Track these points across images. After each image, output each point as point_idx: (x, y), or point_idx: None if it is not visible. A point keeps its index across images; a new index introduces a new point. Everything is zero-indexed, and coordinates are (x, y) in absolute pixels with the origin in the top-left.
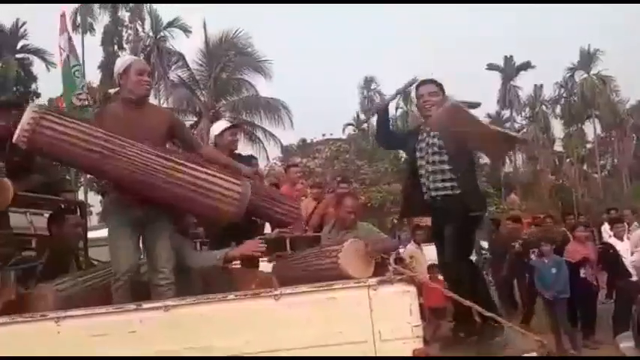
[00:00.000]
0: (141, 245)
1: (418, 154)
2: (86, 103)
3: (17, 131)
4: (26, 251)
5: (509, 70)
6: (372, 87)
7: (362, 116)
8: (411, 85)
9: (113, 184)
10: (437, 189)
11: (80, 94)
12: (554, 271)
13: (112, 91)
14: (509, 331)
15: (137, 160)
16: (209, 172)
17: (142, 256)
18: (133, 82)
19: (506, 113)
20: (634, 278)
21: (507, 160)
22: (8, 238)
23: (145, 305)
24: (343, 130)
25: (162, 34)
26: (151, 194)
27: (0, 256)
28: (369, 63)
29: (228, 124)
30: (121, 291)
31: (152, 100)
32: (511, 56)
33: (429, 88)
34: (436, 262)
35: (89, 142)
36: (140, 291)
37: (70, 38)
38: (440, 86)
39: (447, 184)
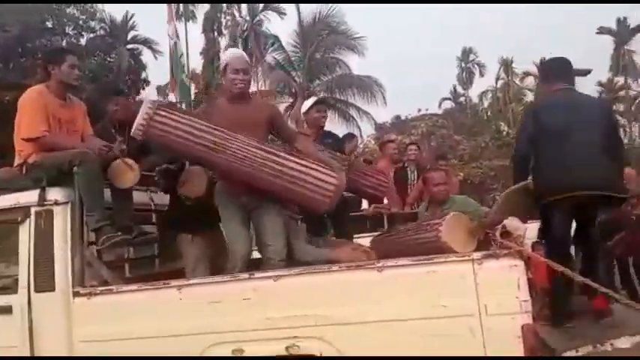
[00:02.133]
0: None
1: None
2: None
3: (134, 125)
4: (147, 225)
5: (623, 33)
6: (471, 58)
7: (459, 89)
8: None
9: (221, 175)
10: None
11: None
12: None
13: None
14: (624, 310)
15: (240, 152)
16: (306, 164)
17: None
18: (229, 80)
19: (620, 80)
20: None
21: (622, 132)
22: (131, 213)
23: (257, 274)
24: (440, 104)
25: (258, 18)
26: (253, 184)
27: (125, 228)
28: (468, 33)
29: (312, 101)
30: (243, 267)
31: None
32: (625, 18)
33: None
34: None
35: (197, 135)
36: None
37: (175, 27)
38: None
39: None
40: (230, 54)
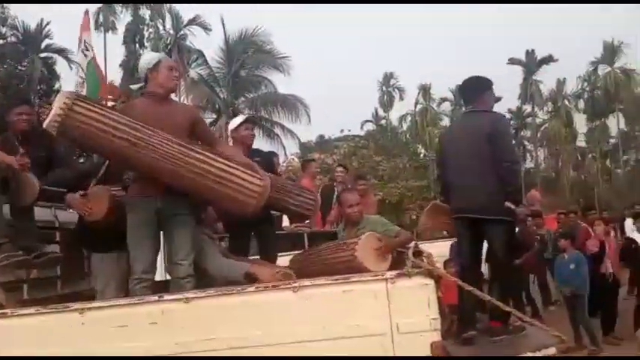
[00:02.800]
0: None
1: None
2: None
3: (49, 117)
4: (50, 244)
5: (531, 64)
6: (392, 83)
7: (381, 112)
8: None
9: (138, 174)
10: None
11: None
12: (572, 266)
13: (134, 87)
14: (528, 327)
15: (164, 149)
16: (231, 164)
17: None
18: (164, 77)
19: (528, 108)
20: None
21: (529, 156)
22: (33, 232)
23: (167, 297)
24: (362, 126)
25: (182, 32)
26: (176, 183)
27: (26, 247)
28: (387, 59)
29: (242, 119)
30: (141, 291)
31: (172, 97)
32: (533, 50)
33: None
34: (450, 258)
35: (119, 129)
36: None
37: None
38: None
39: None
40: (158, 54)
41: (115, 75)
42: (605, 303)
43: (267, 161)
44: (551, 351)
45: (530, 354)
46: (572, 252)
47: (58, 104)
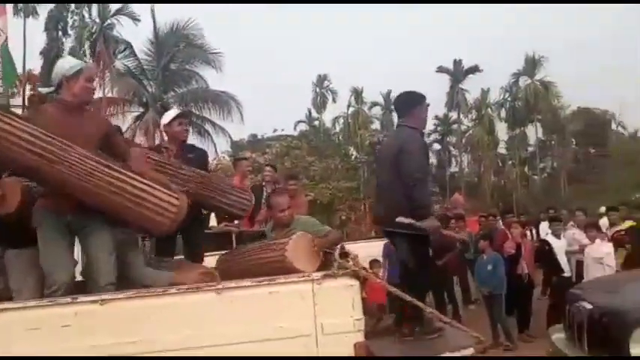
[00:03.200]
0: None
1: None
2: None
3: None
4: None
5: (458, 73)
6: (325, 85)
7: (314, 113)
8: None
9: (48, 189)
10: None
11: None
12: (490, 267)
13: (44, 90)
14: (448, 327)
15: (78, 165)
16: (148, 182)
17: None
18: (81, 88)
19: (454, 115)
20: (567, 274)
21: (453, 161)
22: None
23: (81, 298)
24: (295, 126)
25: (109, 21)
26: (90, 200)
27: None
28: (323, 60)
29: (175, 114)
30: None
31: (97, 89)
32: (460, 60)
33: None
34: (377, 258)
35: (30, 142)
36: None
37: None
38: None
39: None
40: (80, 62)
41: (34, 63)
42: (520, 302)
43: (201, 158)
44: (470, 351)
45: (449, 354)
46: (491, 253)
47: None
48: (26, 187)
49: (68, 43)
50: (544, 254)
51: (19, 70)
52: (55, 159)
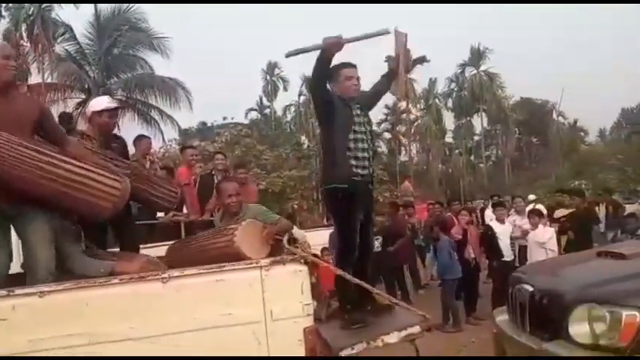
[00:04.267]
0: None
1: (358, 129)
2: None
3: None
4: None
5: (407, 63)
6: (276, 72)
7: (265, 101)
8: (379, 35)
9: None
10: (372, 167)
11: None
12: (447, 253)
13: None
14: (396, 308)
15: (6, 151)
16: (86, 167)
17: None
18: None
19: (403, 105)
20: (508, 258)
21: (403, 150)
22: None
23: (18, 291)
24: (246, 114)
25: (47, 3)
26: (22, 188)
27: None
28: (273, 47)
29: (111, 106)
30: None
31: (35, 74)
32: (408, 50)
33: (356, 72)
34: (326, 245)
35: None
36: None
37: None
38: None
39: (371, 168)
40: None
41: None
42: (467, 286)
43: (124, 148)
44: (416, 329)
45: (396, 333)
46: (445, 239)
47: None
48: None
49: (2, 25)
50: (487, 239)
51: None
52: None
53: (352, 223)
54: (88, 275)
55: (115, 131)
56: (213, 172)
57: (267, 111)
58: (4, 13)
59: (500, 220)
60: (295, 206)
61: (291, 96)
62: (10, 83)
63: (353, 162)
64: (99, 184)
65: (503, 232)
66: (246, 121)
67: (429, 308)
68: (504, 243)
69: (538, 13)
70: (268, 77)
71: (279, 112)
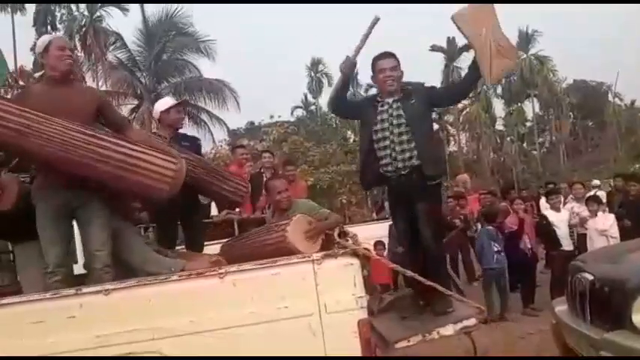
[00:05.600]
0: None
1: (380, 126)
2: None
3: None
4: None
5: (452, 51)
6: (320, 69)
7: (310, 98)
8: (374, 26)
9: (39, 165)
10: (404, 159)
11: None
12: (490, 243)
13: (37, 74)
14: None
15: (57, 136)
16: (140, 149)
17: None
18: (54, 58)
19: None
20: (567, 248)
21: (452, 140)
22: None
23: (85, 290)
24: (292, 112)
25: (98, 13)
26: (78, 172)
27: None
28: (316, 44)
29: (175, 102)
30: (56, 285)
31: (90, 82)
32: (453, 38)
33: (391, 63)
34: (381, 239)
35: (4, 118)
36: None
37: None
38: (398, 59)
39: (411, 154)
40: (49, 35)
41: (26, 59)
42: (524, 277)
43: (196, 146)
44: (472, 321)
45: (451, 325)
46: (482, 230)
47: None
48: (21, 183)
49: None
50: (543, 229)
51: (11, 67)
52: (29, 132)
53: (396, 218)
54: (157, 272)
55: (185, 131)
56: (262, 171)
57: (313, 107)
58: (58, 25)
59: (556, 209)
60: (344, 201)
61: None
62: (67, 73)
63: (377, 162)
64: (153, 165)
65: (559, 220)
66: (292, 119)
67: (482, 301)
68: (562, 232)
69: None
70: (312, 74)
71: (325, 108)
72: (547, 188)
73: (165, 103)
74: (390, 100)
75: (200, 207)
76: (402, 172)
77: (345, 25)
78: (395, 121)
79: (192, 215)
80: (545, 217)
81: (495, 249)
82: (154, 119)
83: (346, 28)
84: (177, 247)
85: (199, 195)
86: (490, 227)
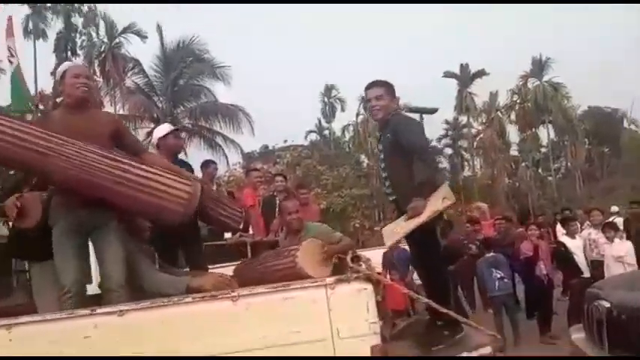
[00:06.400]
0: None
1: (381, 156)
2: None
3: None
4: None
5: (465, 77)
6: (333, 94)
7: (324, 123)
8: (429, 113)
9: (57, 185)
10: (389, 194)
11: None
12: (497, 270)
13: (59, 100)
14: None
15: (78, 158)
16: (156, 171)
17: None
18: (70, 85)
19: (464, 119)
20: (586, 275)
21: (466, 165)
22: None
23: (99, 310)
24: (305, 136)
25: (117, 40)
26: (95, 194)
27: None
28: (330, 70)
29: (172, 128)
30: (70, 304)
31: (108, 107)
32: (467, 64)
33: (375, 92)
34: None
35: (26, 140)
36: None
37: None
38: (388, 89)
39: (390, 190)
40: (67, 63)
41: (47, 84)
42: (541, 304)
43: (190, 172)
44: (487, 350)
45: (466, 354)
46: (489, 257)
47: None
48: (45, 202)
49: (78, 63)
50: (561, 256)
51: (32, 91)
52: (49, 153)
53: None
54: (164, 292)
55: (182, 157)
56: (275, 194)
57: (326, 132)
58: (78, 51)
59: (571, 235)
60: (357, 225)
61: (348, 116)
62: (81, 100)
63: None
64: (168, 187)
65: (575, 247)
66: (306, 143)
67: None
68: (579, 258)
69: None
70: (326, 99)
71: (338, 133)
72: (563, 214)
73: (164, 129)
74: (378, 133)
75: (198, 231)
76: (395, 206)
77: (357, 53)
78: (381, 155)
79: (191, 239)
80: (563, 244)
81: (498, 276)
82: (153, 145)
83: (359, 56)
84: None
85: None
86: (490, 254)
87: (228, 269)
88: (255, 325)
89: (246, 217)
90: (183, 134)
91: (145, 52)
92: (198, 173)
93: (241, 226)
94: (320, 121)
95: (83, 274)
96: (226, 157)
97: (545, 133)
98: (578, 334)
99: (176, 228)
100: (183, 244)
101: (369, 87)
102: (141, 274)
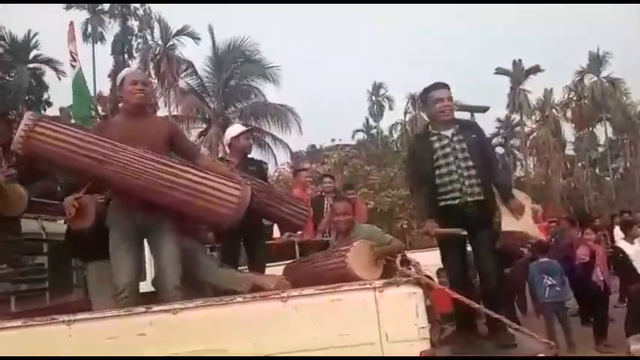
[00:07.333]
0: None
1: (443, 160)
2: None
3: (14, 139)
4: (38, 257)
5: (518, 74)
6: (381, 93)
7: (371, 121)
8: (482, 111)
9: (113, 190)
10: (472, 194)
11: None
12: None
13: (120, 105)
14: (517, 334)
15: (131, 164)
16: (206, 175)
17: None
18: (127, 92)
19: (516, 117)
20: None
21: (519, 165)
22: (19, 244)
23: (155, 308)
24: (353, 135)
25: (171, 42)
26: (149, 198)
27: (12, 260)
28: (378, 68)
29: (245, 129)
30: (124, 304)
31: (162, 108)
32: (520, 60)
33: (447, 93)
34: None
35: (83, 147)
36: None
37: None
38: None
39: (478, 189)
40: (126, 70)
41: (104, 86)
42: (596, 311)
43: (261, 170)
44: (541, 357)
45: None
46: (543, 262)
47: (21, 126)
48: (100, 205)
49: (134, 65)
50: (618, 260)
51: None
52: (105, 160)
53: (449, 255)
54: (227, 287)
55: (252, 155)
56: (323, 194)
57: (374, 131)
58: (135, 54)
59: (630, 240)
60: (405, 226)
61: (397, 115)
62: (139, 106)
63: (438, 196)
64: (218, 191)
65: (634, 252)
66: (353, 142)
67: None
68: (637, 264)
69: None
70: (374, 98)
71: (386, 132)
72: (622, 217)
73: (236, 130)
74: (449, 133)
75: (263, 229)
76: (468, 207)
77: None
78: (460, 155)
79: (255, 237)
80: (620, 250)
81: (549, 282)
82: (224, 145)
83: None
84: (240, 268)
85: (263, 218)
86: (543, 260)
87: (276, 269)
88: (304, 327)
89: None
90: (253, 133)
91: (197, 54)
92: None
93: (305, 224)
94: (367, 120)
95: (137, 276)
96: (274, 156)
97: (603, 132)
98: (637, 345)
99: (241, 227)
100: (248, 242)
101: (437, 87)
102: (205, 270)
